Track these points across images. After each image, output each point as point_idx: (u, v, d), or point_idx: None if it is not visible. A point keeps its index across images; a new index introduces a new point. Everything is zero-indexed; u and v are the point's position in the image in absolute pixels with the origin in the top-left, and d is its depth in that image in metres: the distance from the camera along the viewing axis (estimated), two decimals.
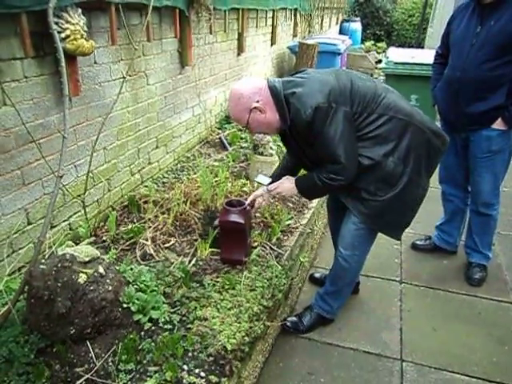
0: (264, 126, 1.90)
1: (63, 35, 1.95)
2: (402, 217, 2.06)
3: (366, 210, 1.96)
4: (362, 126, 1.83)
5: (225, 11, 3.84)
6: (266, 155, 3.15)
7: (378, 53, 10.32)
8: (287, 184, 2.08)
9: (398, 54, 5.21)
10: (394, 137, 1.85)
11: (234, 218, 2.10)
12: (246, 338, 1.79)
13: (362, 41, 11.45)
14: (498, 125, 2.42)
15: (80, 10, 2.05)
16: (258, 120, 1.85)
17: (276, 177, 2.19)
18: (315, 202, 3.08)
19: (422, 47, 10.55)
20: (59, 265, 1.61)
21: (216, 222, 2.31)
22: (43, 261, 1.65)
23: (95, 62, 2.38)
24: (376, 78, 7.49)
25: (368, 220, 2.00)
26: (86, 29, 2.07)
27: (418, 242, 3.19)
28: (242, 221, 2.10)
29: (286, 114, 1.82)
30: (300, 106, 1.75)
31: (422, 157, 1.93)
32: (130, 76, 2.67)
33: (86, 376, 1.54)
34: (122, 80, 2.56)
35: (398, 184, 1.90)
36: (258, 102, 1.82)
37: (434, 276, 2.87)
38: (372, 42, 11.48)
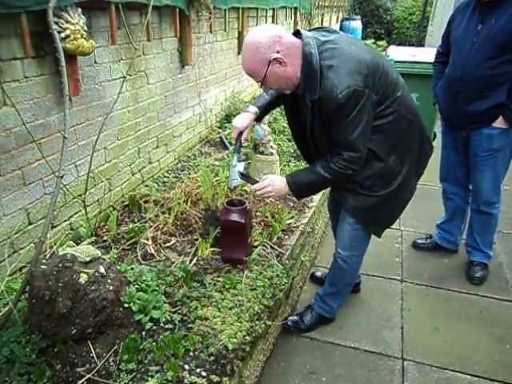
0: (283, 81, 1.70)
1: (63, 35, 1.95)
2: (389, 216, 2.06)
3: (357, 203, 1.94)
4: (376, 116, 1.74)
5: (225, 10, 3.83)
6: (266, 154, 3.14)
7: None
8: (277, 183, 1.89)
9: (398, 53, 5.19)
10: (398, 135, 1.82)
11: (235, 217, 2.10)
12: (247, 337, 1.79)
13: (363, 39, 11.44)
14: (499, 123, 2.42)
15: (80, 10, 2.04)
16: (277, 73, 1.64)
17: (263, 108, 2.05)
18: (316, 200, 3.08)
19: (423, 45, 10.53)
20: (60, 265, 1.61)
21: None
22: (44, 261, 1.65)
23: (95, 62, 2.38)
24: None
25: (356, 213, 1.98)
26: (85, 28, 2.07)
27: (418, 241, 3.19)
28: (242, 220, 2.10)
29: (318, 87, 1.63)
30: (338, 83, 1.58)
31: (415, 160, 1.93)
32: (130, 75, 2.67)
33: (88, 376, 1.54)
34: (122, 79, 2.56)
35: (393, 183, 1.88)
36: (278, 52, 1.60)
37: (435, 275, 2.87)
38: (372, 40, 11.47)
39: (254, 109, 2.02)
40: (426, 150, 1.97)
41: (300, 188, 1.90)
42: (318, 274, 2.77)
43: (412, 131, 1.86)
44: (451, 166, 2.84)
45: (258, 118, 2.09)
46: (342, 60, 1.61)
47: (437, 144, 2.95)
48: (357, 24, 11.03)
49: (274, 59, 1.60)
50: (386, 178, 1.87)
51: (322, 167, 1.79)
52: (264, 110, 2.08)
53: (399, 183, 1.88)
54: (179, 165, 3.46)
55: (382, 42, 11.31)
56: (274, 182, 1.90)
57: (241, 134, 2.00)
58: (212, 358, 1.67)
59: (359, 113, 1.63)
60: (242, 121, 1.99)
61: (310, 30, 1.78)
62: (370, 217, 1.99)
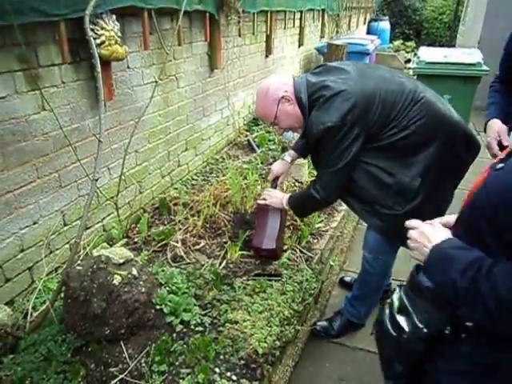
0: (293, 119, 1.86)
1: (98, 41, 2.00)
2: None
3: (383, 223, 1.88)
4: (382, 137, 1.74)
5: (253, 14, 3.85)
6: None
7: (407, 52, 10.13)
8: (275, 194, 2.18)
9: (429, 54, 5.08)
10: (412, 150, 1.76)
11: None
12: (276, 342, 1.79)
13: (391, 40, 11.26)
14: None
15: (114, 17, 2.09)
16: (287, 111, 1.83)
17: (301, 149, 2.23)
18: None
19: (454, 46, 10.28)
20: (95, 266, 1.64)
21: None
22: (79, 262, 1.69)
23: (128, 67, 2.43)
24: None
25: (386, 233, 1.94)
26: (119, 34, 2.11)
27: None
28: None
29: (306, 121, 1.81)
30: (315, 120, 1.73)
31: (446, 170, 1.83)
32: (161, 80, 2.71)
33: (121, 376, 1.57)
34: (153, 84, 2.60)
35: (416, 198, 1.79)
36: (286, 91, 1.81)
37: None
38: (401, 41, 11.28)
39: (290, 158, 2.24)
40: (463, 158, 1.85)
41: (295, 204, 2.09)
42: (347, 278, 2.73)
43: (433, 144, 1.75)
44: None
45: (302, 157, 2.35)
46: (324, 98, 1.72)
47: None
48: (385, 25, 10.88)
49: (282, 97, 1.81)
50: (407, 194, 1.80)
51: (308, 189, 1.97)
52: (302, 150, 2.24)
53: (423, 197, 1.79)
54: (207, 167, 3.48)
55: (411, 43, 11.11)
56: (272, 193, 2.21)
57: (277, 178, 2.25)
58: (242, 361, 1.67)
59: (338, 144, 1.73)
60: (278, 167, 2.24)
61: (315, 69, 1.94)
62: (402, 233, 1.92)
